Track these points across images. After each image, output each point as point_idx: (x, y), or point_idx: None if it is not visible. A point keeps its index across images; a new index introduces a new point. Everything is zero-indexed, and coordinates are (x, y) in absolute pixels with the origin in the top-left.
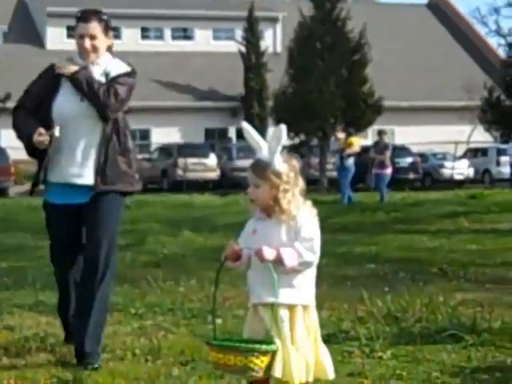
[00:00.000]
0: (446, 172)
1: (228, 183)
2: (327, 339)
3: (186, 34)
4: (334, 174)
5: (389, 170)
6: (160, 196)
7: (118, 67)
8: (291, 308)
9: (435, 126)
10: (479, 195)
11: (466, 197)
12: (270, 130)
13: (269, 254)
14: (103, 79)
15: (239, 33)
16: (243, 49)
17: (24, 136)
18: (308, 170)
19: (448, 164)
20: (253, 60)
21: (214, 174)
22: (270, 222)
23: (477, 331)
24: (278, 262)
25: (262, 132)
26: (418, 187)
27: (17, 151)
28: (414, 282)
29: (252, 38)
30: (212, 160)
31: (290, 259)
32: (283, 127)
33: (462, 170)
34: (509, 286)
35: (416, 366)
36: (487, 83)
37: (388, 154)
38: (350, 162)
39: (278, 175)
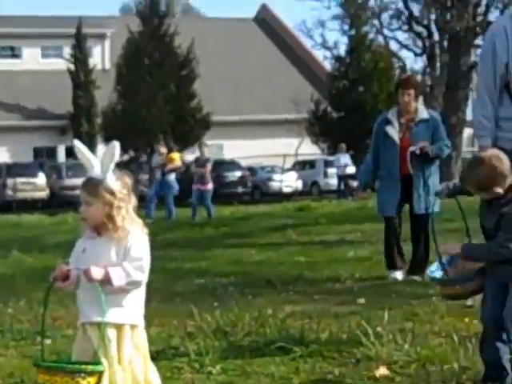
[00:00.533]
0: (275, 185)
1: (58, 202)
2: (156, 356)
3: (13, 53)
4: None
5: (210, 186)
6: None
7: None
8: (119, 327)
9: (264, 139)
10: (307, 207)
11: (294, 209)
12: (100, 147)
13: (96, 273)
14: None
15: (67, 50)
16: (72, 66)
17: None
18: (137, 186)
19: (276, 177)
20: (81, 77)
21: (44, 194)
22: (99, 241)
23: (305, 343)
24: (106, 281)
25: (92, 150)
26: (248, 201)
27: None
28: (243, 295)
29: (80, 55)
30: (41, 179)
31: (118, 279)
32: (116, 144)
33: (290, 182)
34: (336, 296)
35: (245, 379)
36: (314, 96)
37: (209, 167)
38: (172, 177)
39: (112, 192)
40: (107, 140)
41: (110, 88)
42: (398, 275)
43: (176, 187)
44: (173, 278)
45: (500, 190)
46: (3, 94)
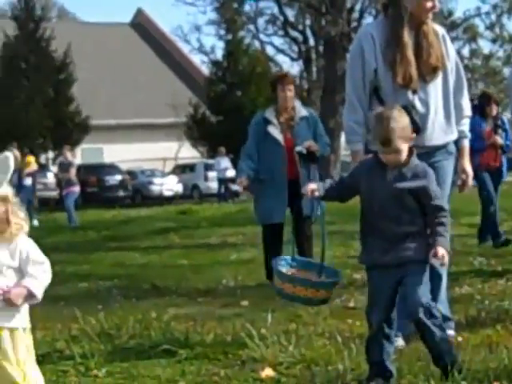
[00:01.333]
0: (156, 188)
1: None
2: (42, 360)
3: None
4: (45, 193)
5: (77, 188)
6: None
7: None
8: (13, 331)
9: (143, 143)
10: (188, 211)
11: (176, 213)
12: None
13: (19, 296)
14: None
15: None
16: None
17: None
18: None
19: (157, 180)
20: None
21: None
22: None
23: (190, 345)
24: (30, 298)
25: None
26: (129, 204)
27: None
28: (127, 298)
29: None
30: None
31: (38, 289)
32: (10, 155)
33: (171, 186)
34: (220, 299)
35: (131, 382)
36: (192, 100)
37: (73, 171)
38: (29, 181)
39: (5, 199)
40: None
41: None
42: None
43: (31, 190)
44: (56, 282)
45: (402, 147)
46: None
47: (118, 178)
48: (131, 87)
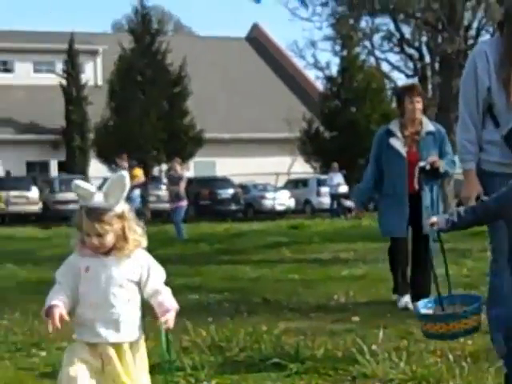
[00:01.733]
0: (268, 203)
1: (50, 216)
2: (152, 370)
3: (5, 67)
4: (158, 205)
5: (184, 203)
6: None
7: None
8: (132, 344)
9: (256, 157)
10: (300, 225)
11: (288, 227)
12: (92, 162)
13: (173, 317)
14: None
15: (60, 65)
16: (64, 81)
17: None
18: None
19: (269, 195)
20: (73, 93)
21: (36, 207)
22: (109, 261)
23: (300, 359)
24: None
25: (84, 165)
26: (241, 218)
27: None
28: (237, 312)
29: (72, 70)
30: (34, 193)
31: (174, 301)
32: (126, 175)
33: (283, 200)
34: (331, 314)
35: None
36: (306, 115)
37: (183, 185)
38: (136, 193)
39: (122, 216)
40: (100, 155)
41: (102, 104)
42: (409, 302)
43: (138, 202)
44: None
45: None
46: None
47: (231, 191)
48: (246, 101)
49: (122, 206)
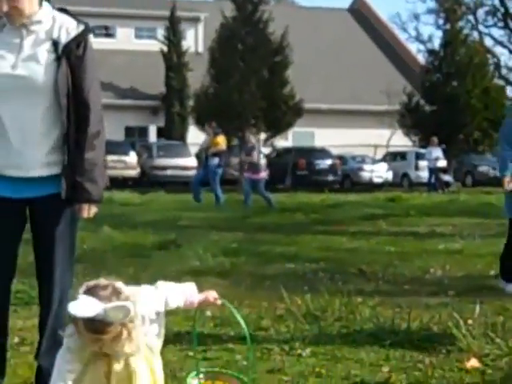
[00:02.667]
0: (365, 175)
1: (148, 181)
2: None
3: (107, 32)
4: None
5: (262, 174)
6: None
7: (67, 25)
8: None
9: (355, 129)
10: (398, 198)
11: (385, 200)
12: (191, 128)
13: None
14: (50, 48)
15: (161, 32)
16: (165, 48)
17: None
18: (228, 169)
19: (367, 167)
20: (174, 59)
21: (134, 172)
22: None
23: (395, 331)
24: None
25: (183, 131)
26: (337, 189)
27: None
28: (333, 281)
29: (174, 37)
30: (132, 158)
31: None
32: (129, 308)
33: (380, 173)
34: (427, 287)
35: (335, 364)
36: (407, 88)
37: (255, 155)
38: (215, 161)
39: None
40: (198, 122)
41: (202, 71)
42: None
43: (215, 170)
44: (263, 262)
45: None
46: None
47: (329, 162)
48: (346, 73)
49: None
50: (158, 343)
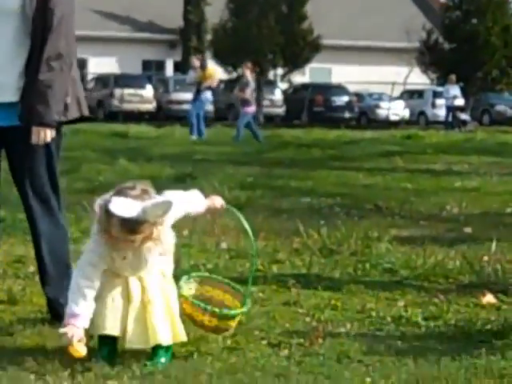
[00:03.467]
0: (382, 112)
1: (164, 115)
2: (262, 269)
3: None
4: (271, 109)
5: (250, 109)
6: (95, 125)
7: None
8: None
9: (372, 66)
10: (414, 136)
11: (402, 137)
12: (209, 62)
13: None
14: None
15: None
16: None
17: None
18: None
19: (384, 104)
20: None
21: (150, 106)
22: (142, 249)
23: (411, 266)
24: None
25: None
26: (354, 126)
27: None
28: (349, 216)
29: None
30: (148, 91)
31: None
32: (171, 203)
33: (397, 110)
34: (443, 224)
35: (350, 297)
36: (426, 25)
37: (248, 91)
38: (207, 95)
39: (154, 224)
40: (216, 56)
41: (220, 5)
42: None
43: (208, 104)
44: (279, 196)
45: None
46: (115, 6)
47: (345, 99)
48: (365, 9)
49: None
50: (169, 269)
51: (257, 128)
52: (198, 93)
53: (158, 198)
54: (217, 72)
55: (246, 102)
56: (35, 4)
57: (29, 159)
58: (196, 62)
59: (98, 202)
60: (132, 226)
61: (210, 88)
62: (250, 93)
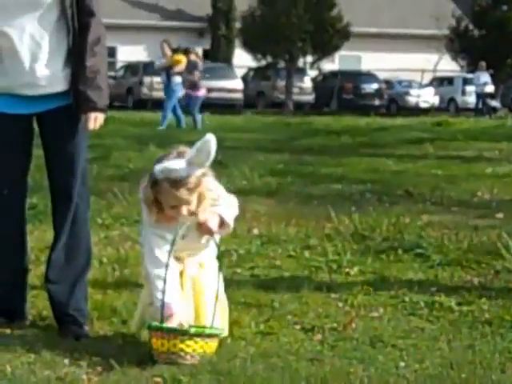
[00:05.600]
0: (412, 99)
1: None
2: (294, 254)
3: None
4: (300, 97)
5: (200, 92)
6: (125, 113)
7: None
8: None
9: (402, 53)
10: (445, 123)
11: (432, 124)
12: (237, 51)
13: (214, 222)
14: None
15: None
16: None
17: None
18: (274, 92)
19: (414, 92)
20: None
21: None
22: (193, 225)
23: (443, 251)
24: (222, 225)
25: (229, 54)
26: (383, 113)
27: None
28: (380, 202)
29: None
30: None
31: (230, 217)
32: (212, 139)
33: (427, 97)
34: (474, 210)
35: (382, 282)
36: (455, 12)
37: (197, 74)
38: (178, 80)
39: (202, 177)
40: (245, 44)
41: None
42: None
43: (180, 91)
44: (309, 182)
45: None
46: None
47: (375, 86)
48: None
49: (205, 173)
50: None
51: (181, 113)
52: (168, 79)
53: (196, 144)
54: (184, 58)
55: (194, 86)
56: None
57: (65, 145)
58: (167, 49)
59: (141, 185)
60: (182, 181)
61: (179, 73)
62: (198, 76)
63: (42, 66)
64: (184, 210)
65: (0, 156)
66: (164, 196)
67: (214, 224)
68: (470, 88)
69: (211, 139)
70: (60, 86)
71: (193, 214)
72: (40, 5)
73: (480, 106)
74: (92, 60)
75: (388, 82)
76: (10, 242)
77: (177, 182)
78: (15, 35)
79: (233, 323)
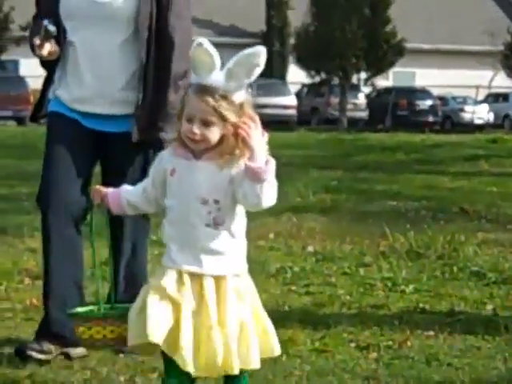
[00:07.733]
0: (466, 116)
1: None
2: (349, 272)
3: None
4: (354, 113)
5: None
6: None
7: None
8: (218, 279)
9: (456, 69)
10: (500, 139)
11: (487, 141)
12: (291, 67)
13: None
14: None
15: None
16: None
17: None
18: (328, 109)
19: (468, 108)
20: None
21: None
22: (200, 165)
23: (499, 269)
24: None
25: (283, 70)
26: (438, 130)
27: (36, 80)
28: (435, 220)
29: None
30: None
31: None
32: (262, 50)
33: (482, 114)
34: None
35: (438, 300)
36: (510, 28)
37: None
38: None
39: (241, 110)
40: (299, 60)
41: (303, 9)
42: None
43: None
44: (364, 199)
45: None
46: (196, 10)
47: (429, 102)
48: (448, 12)
49: (243, 96)
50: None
51: None
52: None
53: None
54: None
55: None
56: (152, 13)
57: (126, 167)
58: None
59: None
60: (210, 93)
61: None
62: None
63: (99, 83)
64: (196, 128)
65: (71, 158)
66: (186, 104)
67: (253, 132)
68: None
69: (262, 51)
70: (114, 108)
71: (206, 142)
72: (112, 18)
73: None
74: (174, 96)
75: (442, 99)
76: (72, 251)
77: (203, 89)
78: (80, 45)
79: (288, 340)
